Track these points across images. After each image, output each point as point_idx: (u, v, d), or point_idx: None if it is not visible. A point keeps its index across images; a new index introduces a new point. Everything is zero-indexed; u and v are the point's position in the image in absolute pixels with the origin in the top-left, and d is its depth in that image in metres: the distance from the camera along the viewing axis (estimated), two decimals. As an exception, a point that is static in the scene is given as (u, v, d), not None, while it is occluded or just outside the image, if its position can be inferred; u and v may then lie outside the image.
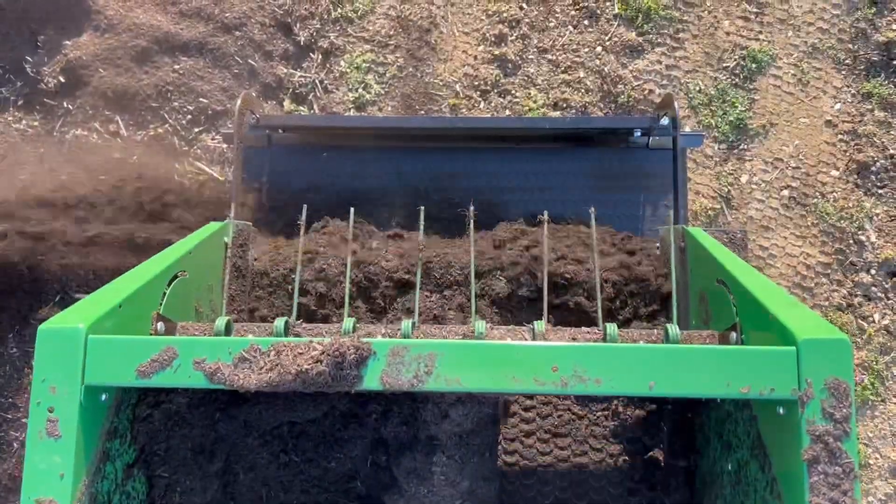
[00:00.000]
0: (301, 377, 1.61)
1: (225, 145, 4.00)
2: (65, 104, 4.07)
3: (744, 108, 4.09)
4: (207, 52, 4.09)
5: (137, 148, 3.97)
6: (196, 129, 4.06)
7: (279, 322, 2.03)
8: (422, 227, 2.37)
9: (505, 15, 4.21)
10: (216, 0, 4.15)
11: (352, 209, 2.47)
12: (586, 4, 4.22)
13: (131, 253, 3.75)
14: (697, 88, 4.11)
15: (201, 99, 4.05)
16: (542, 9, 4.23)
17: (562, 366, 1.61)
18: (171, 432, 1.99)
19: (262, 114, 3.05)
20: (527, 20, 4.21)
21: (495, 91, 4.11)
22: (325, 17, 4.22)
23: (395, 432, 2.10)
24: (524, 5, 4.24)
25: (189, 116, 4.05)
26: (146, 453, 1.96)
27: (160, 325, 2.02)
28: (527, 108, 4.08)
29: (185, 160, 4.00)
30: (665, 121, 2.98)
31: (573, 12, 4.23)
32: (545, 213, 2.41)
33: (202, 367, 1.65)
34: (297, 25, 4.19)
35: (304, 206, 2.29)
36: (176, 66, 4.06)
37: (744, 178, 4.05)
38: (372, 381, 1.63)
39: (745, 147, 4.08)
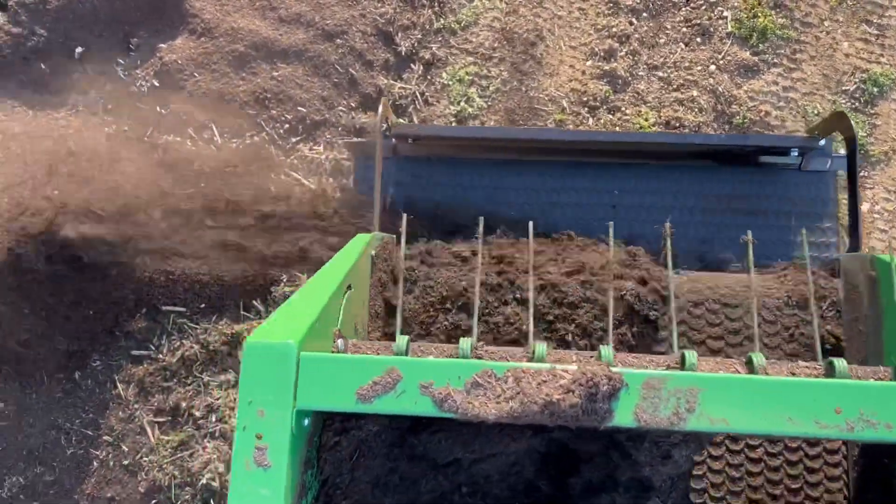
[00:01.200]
0: (549, 409, 1.41)
1: (325, 156, 3.83)
2: (157, 108, 3.92)
3: (865, 134, 3.90)
4: (307, 59, 3.94)
5: (233, 156, 3.80)
6: (293, 139, 3.90)
7: (465, 343, 1.83)
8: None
9: (614, 30, 4.05)
10: (317, 7, 4.01)
11: (530, 223, 2.27)
12: (698, 22, 4.07)
13: (229, 265, 3.58)
14: (815, 112, 3.93)
15: (300, 108, 3.90)
16: (651, 25, 4.08)
17: (846, 407, 1.41)
18: (356, 462, 1.79)
19: (392, 122, 2.88)
20: (636, 35, 4.05)
21: (604, 107, 3.94)
22: (427, 27, 4.07)
23: (593, 475, 1.89)
24: (634, 21, 4.08)
25: (287, 125, 3.89)
26: (328, 486, 1.76)
27: (340, 343, 1.83)
28: (637, 125, 3.91)
29: (282, 170, 3.83)
30: (823, 141, 2.80)
31: (684, 29, 4.07)
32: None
33: (430, 393, 1.46)
34: (399, 35, 4.04)
35: (481, 219, 2.10)
36: (274, 73, 3.91)
37: (865, 207, 3.85)
38: (625, 416, 1.44)
39: (866, 174, 3.89)
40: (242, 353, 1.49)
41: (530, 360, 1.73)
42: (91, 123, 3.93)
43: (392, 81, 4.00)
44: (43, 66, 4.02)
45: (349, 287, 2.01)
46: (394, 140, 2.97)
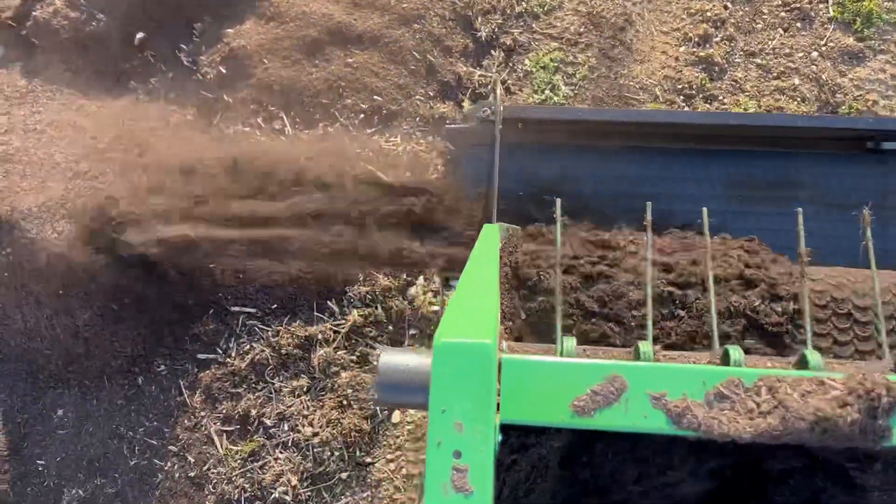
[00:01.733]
0: (821, 425, 1.15)
1: (402, 147, 3.59)
2: (225, 97, 3.69)
3: (982, 124, 3.62)
4: (383, 45, 3.70)
5: (305, 147, 3.56)
6: (368, 130, 3.65)
7: (644, 346, 1.57)
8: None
9: (708, 14, 3.79)
10: (392, -11, 3.77)
11: (648, 203, 2.02)
12: (797, 6, 3.80)
13: (302, 263, 3.34)
14: (927, 101, 3.66)
15: (375, 97, 3.65)
16: (748, 9, 3.82)
17: None
18: (532, 484, 1.53)
19: (501, 105, 2.64)
20: (732, 20, 3.79)
21: (700, 96, 3.68)
22: (508, 11, 3.83)
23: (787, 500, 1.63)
24: (729, 4, 3.82)
25: (361, 115, 3.65)
26: (503, 512, 1.51)
27: (505, 346, 1.58)
28: (736, 116, 3.64)
29: (357, 163, 3.59)
30: None
31: (783, 14, 3.81)
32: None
33: (664, 405, 1.21)
34: (478, 19, 3.80)
35: (649, 204, 1.84)
36: (349, 60, 3.67)
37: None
38: (905, 435, 1.18)
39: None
40: (433, 352, 1.24)
41: (722, 364, 1.47)
42: (153, 113, 3.70)
43: (471, 69, 3.76)
44: (102, 53, 3.80)
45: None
46: (500, 125, 2.72)
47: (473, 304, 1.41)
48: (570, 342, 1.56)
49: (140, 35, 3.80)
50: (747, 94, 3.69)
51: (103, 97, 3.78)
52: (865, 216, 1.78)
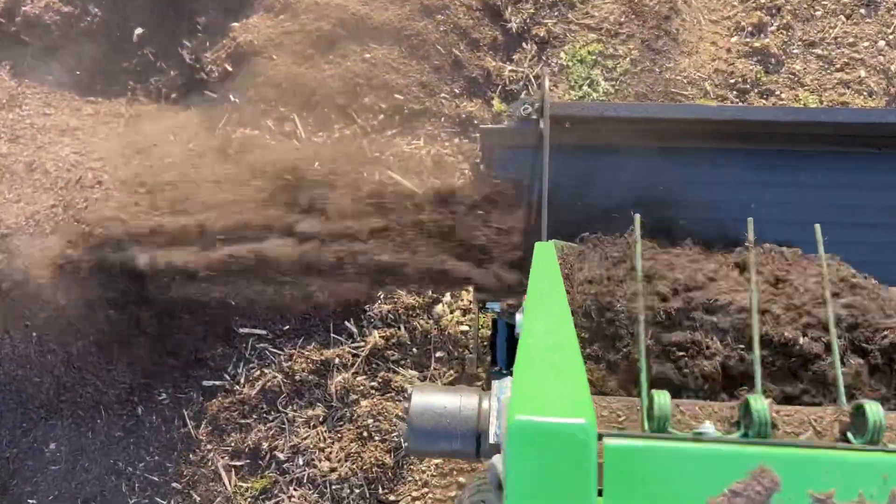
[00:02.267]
0: None
1: (426, 150, 3.25)
2: (231, 97, 3.36)
3: None
4: (403, 38, 3.36)
5: (319, 152, 3.23)
6: (389, 132, 3.32)
7: (756, 402, 1.21)
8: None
9: (762, 0, 3.44)
10: (413, -23, 3.43)
11: (750, 220, 1.68)
12: (860, -10, 3.44)
13: (315, 282, 3.00)
14: None
15: (396, 95, 3.32)
16: (805, -6, 3.46)
17: None
18: None
19: (548, 99, 2.29)
20: (788, 7, 3.43)
21: (755, 91, 3.33)
22: (541, 0, 3.49)
23: None
24: (784, -10, 3.47)
25: (381, 116, 3.32)
26: None
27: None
28: (796, 113, 3.28)
29: (376, 169, 3.25)
30: None
31: (845, 0, 3.45)
32: None
33: (835, 512, 0.86)
34: (508, 9, 3.45)
35: (750, 221, 1.49)
36: (366, 56, 3.34)
37: None
38: None
39: None
40: (508, 436, 0.90)
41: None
42: (153, 115, 3.39)
43: (501, 63, 3.42)
44: (97, 51, 3.48)
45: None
46: (542, 124, 2.38)
47: (552, 358, 1.07)
48: (664, 398, 1.21)
49: (139, 31, 3.48)
50: (807, 88, 3.33)
51: (101, 99, 3.46)
52: None
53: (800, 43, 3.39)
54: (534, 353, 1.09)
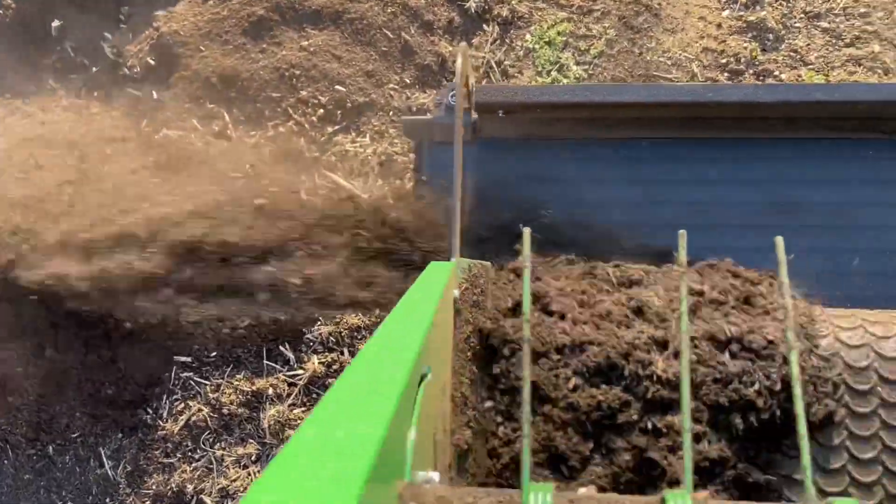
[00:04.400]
0: None
1: (372, 149, 2.85)
2: (154, 94, 2.99)
3: None
4: (346, 22, 2.97)
5: (250, 153, 2.85)
6: (330, 129, 2.92)
7: (678, 499, 0.80)
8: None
9: (758, -33, 2.99)
10: (357, -46, 3.04)
11: (682, 232, 1.26)
12: (874, -48, 2.97)
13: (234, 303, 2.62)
14: None
15: (338, 87, 2.92)
16: (809, -41, 3.00)
17: None
18: None
19: (476, 86, 1.88)
20: (789, -26, 2.98)
21: (751, 71, 2.88)
22: (504, -25, 3.07)
23: None
24: (784, -46, 3.01)
25: (321, 111, 2.93)
26: None
27: (434, 476, 0.85)
28: (799, 95, 2.83)
29: (316, 171, 2.86)
30: None
31: (855, -37, 2.99)
32: None
33: None
34: (466, -13, 3.05)
35: (683, 234, 1.06)
36: (304, 43, 2.94)
37: None
38: None
39: None
40: None
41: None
42: (72, 116, 3.03)
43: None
44: (11, 46, 3.14)
45: (423, 375, 1.02)
46: (474, 114, 1.97)
47: (340, 427, 0.67)
48: (542, 497, 0.82)
49: (56, 23, 3.13)
50: (812, 66, 2.87)
51: (15, 99, 3.12)
52: None
53: (802, 15, 2.93)
54: (331, 408, 0.70)
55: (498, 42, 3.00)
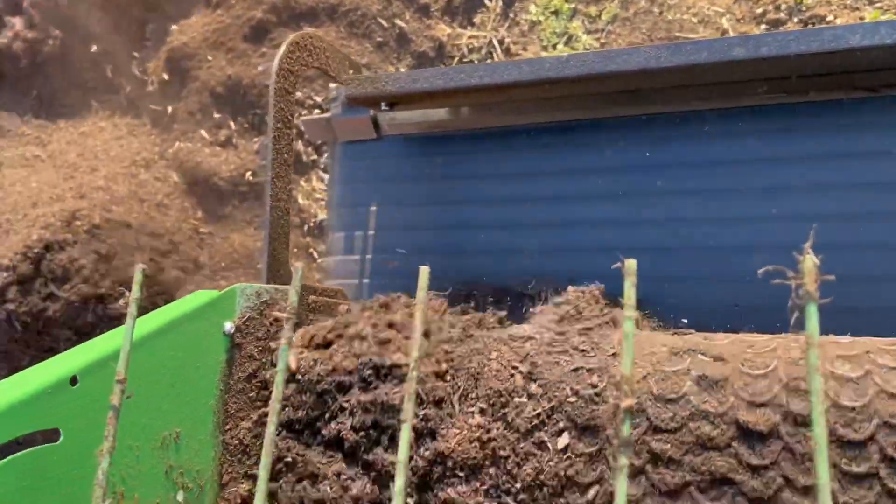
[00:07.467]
0: None
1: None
2: (168, 108, 3.05)
3: None
4: (341, 16, 2.83)
5: (251, 163, 2.82)
6: (326, 128, 2.81)
7: None
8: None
9: None
10: (352, -59, 2.88)
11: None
12: None
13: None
14: None
15: (332, 85, 2.79)
16: None
17: None
18: None
19: (352, 75, 1.68)
20: None
21: (796, 19, 2.36)
22: (507, -58, 2.77)
23: None
24: None
25: (317, 111, 2.82)
26: None
27: None
28: (858, 43, 2.27)
29: (312, 175, 2.77)
30: None
31: None
32: None
33: None
34: (466, -39, 2.78)
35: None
36: (299, 41, 2.85)
37: None
38: None
39: None
40: None
41: None
42: (107, 134, 3.18)
43: (459, 29, 2.76)
44: (59, 73, 3.35)
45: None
46: (371, 112, 1.76)
47: None
48: None
49: (94, 48, 3.29)
50: (878, 5, 2.29)
51: (65, 122, 3.33)
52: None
53: (867, -59, 2.35)
54: None
55: (500, 18, 2.71)
